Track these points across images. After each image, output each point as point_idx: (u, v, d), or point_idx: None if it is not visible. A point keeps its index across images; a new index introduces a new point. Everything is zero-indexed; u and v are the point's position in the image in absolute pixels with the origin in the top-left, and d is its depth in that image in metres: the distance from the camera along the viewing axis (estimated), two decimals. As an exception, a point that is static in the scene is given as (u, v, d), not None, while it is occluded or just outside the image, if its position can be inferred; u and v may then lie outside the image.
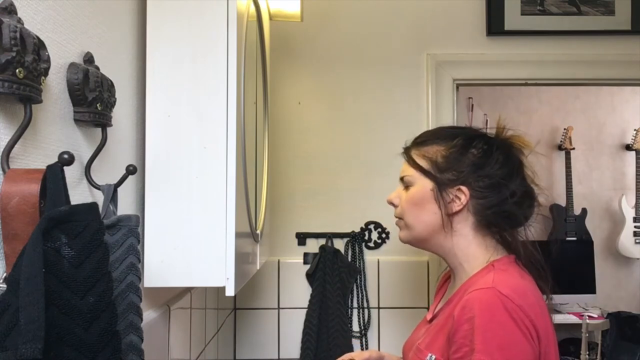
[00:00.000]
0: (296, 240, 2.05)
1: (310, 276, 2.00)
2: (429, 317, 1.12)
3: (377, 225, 2.05)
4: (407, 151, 1.13)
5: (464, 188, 1.03)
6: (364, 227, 2.05)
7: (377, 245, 2.05)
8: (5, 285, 0.50)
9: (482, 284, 0.96)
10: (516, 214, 1.05)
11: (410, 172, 1.10)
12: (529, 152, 1.11)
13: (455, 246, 1.06)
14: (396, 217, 1.15)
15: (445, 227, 1.05)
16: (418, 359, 1.01)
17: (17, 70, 0.55)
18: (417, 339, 1.07)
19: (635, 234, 3.58)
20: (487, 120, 3.57)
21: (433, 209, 1.05)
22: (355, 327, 2.01)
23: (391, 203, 1.15)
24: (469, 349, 0.89)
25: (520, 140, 1.11)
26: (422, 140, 1.11)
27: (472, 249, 1.05)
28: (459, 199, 1.04)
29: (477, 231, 1.05)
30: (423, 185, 1.07)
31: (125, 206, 0.92)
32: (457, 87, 2.07)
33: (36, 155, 0.64)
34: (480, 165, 1.04)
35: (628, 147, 3.74)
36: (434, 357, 0.97)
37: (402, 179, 1.13)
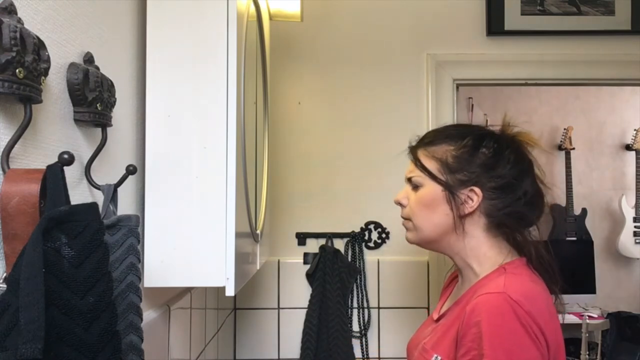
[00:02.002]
0: (296, 240, 2.05)
1: (310, 276, 2.00)
2: (435, 316, 1.11)
3: (377, 225, 2.05)
4: (413, 151, 1.10)
5: (476, 189, 1.02)
6: (364, 227, 2.05)
7: (377, 245, 2.05)
8: (5, 285, 0.50)
9: (492, 287, 0.95)
10: (527, 214, 1.04)
11: (419, 173, 1.07)
12: (533, 149, 1.09)
13: (466, 247, 1.04)
14: (403, 217, 1.12)
15: (457, 229, 1.03)
16: (423, 358, 1.01)
17: (17, 70, 0.55)
18: (423, 338, 1.07)
19: (635, 234, 3.58)
20: (487, 120, 3.57)
21: (445, 211, 1.03)
22: (355, 327, 2.01)
23: (399, 203, 1.12)
24: (477, 353, 0.88)
25: (527, 137, 1.08)
26: (430, 140, 1.08)
27: (483, 250, 1.04)
28: (472, 200, 1.02)
29: (489, 232, 1.04)
30: (434, 186, 1.04)
31: (125, 206, 0.92)
32: (457, 87, 2.07)
33: (36, 155, 0.64)
34: (491, 166, 1.02)
35: (628, 147, 3.74)
36: (439, 357, 0.96)
37: (409, 179, 1.10)
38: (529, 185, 1.04)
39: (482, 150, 1.04)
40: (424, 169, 1.06)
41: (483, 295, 0.93)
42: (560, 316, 0.99)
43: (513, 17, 2.03)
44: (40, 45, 0.60)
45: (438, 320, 1.08)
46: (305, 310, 1.97)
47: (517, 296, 0.91)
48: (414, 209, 1.08)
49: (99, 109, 0.76)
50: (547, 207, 1.09)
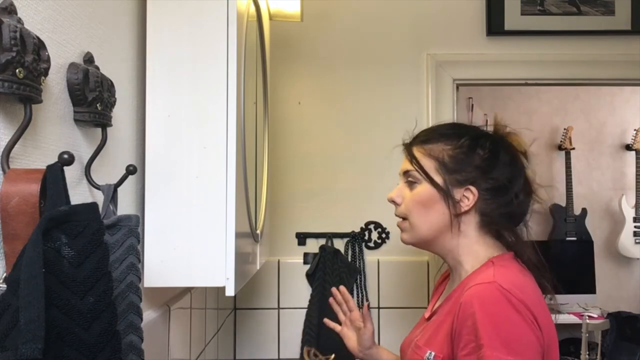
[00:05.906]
0: (296, 240, 2.05)
1: (310, 276, 2.00)
2: (427, 315, 1.11)
3: (377, 225, 2.05)
4: (408, 148, 1.10)
5: (472, 188, 1.02)
6: (364, 227, 2.05)
7: (377, 245, 2.05)
8: (5, 285, 0.50)
9: (483, 278, 0.95)
10: (518, 213, 1.06)
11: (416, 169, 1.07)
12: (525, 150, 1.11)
13: (458, 246, 1.05)
14: (398, 216, 1.10)
15: (453, 227, 1.04)
16: (417, 355, 1.01)
17: (17, 70, 0.55)
18: (416, 337, 1.07)
19: (635, 234, 3.58)
20: (487, 120, 3.56)
21: (441, 209, 1.03)
22: (355, 327, 2.01)
23: (393, 201, 1.10)
24: (475, 345, 0.88)
25: (516, 140, 1.10)
26: (426, 138, 1.09)
27: (474, 248, 1.04)
28: (468, 199, 1.03)
29: (480, 230, 1.05)
30: (431, 185, 1.05)
31: (125, 206, 0.92)
32: (457, 87, 2.07)
33: (36, 155, 0.64)
34: (488, 168, 1.04)
35: (628, 147, 3.74)
36: (433, 353, 0.96)
37: (405, 173, 1.09)
38: (521, 186, 1.05)
39: (478, 151, 1.05)
40: (420, 167, 1.06)
41: (474, 286, 0.94)
42: (553, 316, 0.99)
43: (513, 17, 2.03)
44: (40, 45, 0.60)
45: (429, 318, 1.08)
46: (305, 310, 1.97)
47: (508, 285, 0.91)
48: (410, 207, 1.07)
49: (99, 109, 0.76)
50: (538, 205, 1.09)
